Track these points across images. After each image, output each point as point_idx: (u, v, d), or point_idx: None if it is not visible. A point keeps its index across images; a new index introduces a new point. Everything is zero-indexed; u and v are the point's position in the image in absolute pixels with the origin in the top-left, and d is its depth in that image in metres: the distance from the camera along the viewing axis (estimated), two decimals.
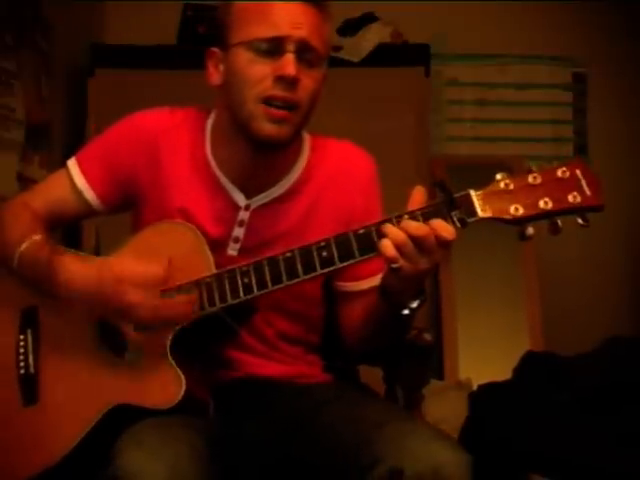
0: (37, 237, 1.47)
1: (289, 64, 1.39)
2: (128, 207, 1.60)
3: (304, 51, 1.41)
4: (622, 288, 3.61)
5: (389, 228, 1.26)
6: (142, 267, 1.37)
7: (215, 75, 1.49)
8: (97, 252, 2.99)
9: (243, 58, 1.42)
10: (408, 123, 3.30)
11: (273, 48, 1.40)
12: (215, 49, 1.48)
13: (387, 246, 1.26)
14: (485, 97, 3.71)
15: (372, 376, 1.76)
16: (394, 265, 1.26)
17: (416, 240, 1.25)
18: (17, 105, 2.74)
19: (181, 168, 1.53)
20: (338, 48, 3.33)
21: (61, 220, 1.59)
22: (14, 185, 2.69)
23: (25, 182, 2.73)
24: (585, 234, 3.42)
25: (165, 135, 1.54)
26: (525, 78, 3.69)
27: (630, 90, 3.64)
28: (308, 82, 1.42)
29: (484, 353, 3.24)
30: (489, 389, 2.42)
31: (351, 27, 3.41)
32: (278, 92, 1.40)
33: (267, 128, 1.42)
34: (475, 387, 2.65)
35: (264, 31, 1.41)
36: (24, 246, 1.46)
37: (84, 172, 1.56)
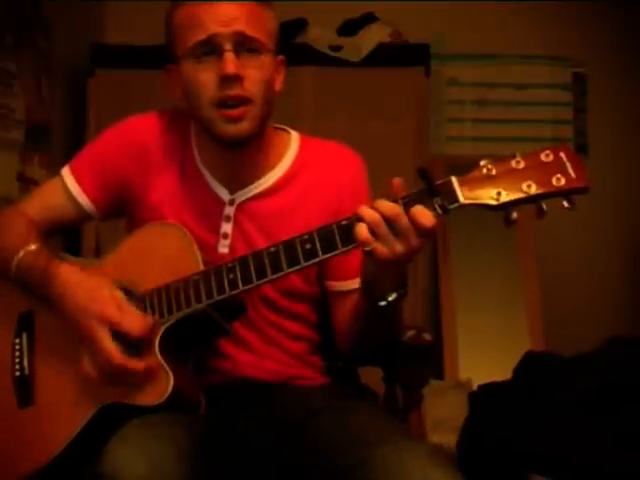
0: (33, 247, 1.50)
1: (227, 62, 1.42)
2: (123, 212, 1.62)
3: (242, 44, 1.44)
4: (622, 288, 3.61)
5: (363, 210, 1.26)
6: (127, 317, 1.37)
7: (173, 89, 1.52)
8: (97, 252, 2.99)
9: (189, 67, 1.46)
10: (408, 123, 3.30)
11: (211, 50, 1.44)
12: (171, 65, 1.52)
13: (360, 229, 1.25)
14: (485, 97, 3.70)
15: (372, 376, 1.76)
16: (367, 248, 1.26)
17: (389, 221, 1.24)
18: (17, 105, 2.74)
19: (171, 169, 1.57)
20: (338, 48, 3.33)
21: (57, 226, 1.62)
22: (14, 185, 2.70)
23: (25, 182, 2.74)
24: (585, 234, 3.47)
25: (155, 138, 1.57)
26: (525, 78, 3.68)
27: (630, 90, 3.64)
28: (254, 73, 1.45)
29: (484, 353, 3.24)
30: (489, 389, 2.42)
31: (351, 27, 3.41)
32: (226, 92, 1.43)
33: (226, 129, 1.45)
34: (475, 387, 2.65)
35: (197, 35, 1.44)
36: (21, 254, 1.49)
37: (77, 179, 1.59)
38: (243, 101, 1.44)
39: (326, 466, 1.34)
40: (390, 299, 1.36)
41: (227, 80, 1.42)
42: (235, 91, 1.43)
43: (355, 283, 1.51)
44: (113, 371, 1.36)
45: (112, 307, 1.39)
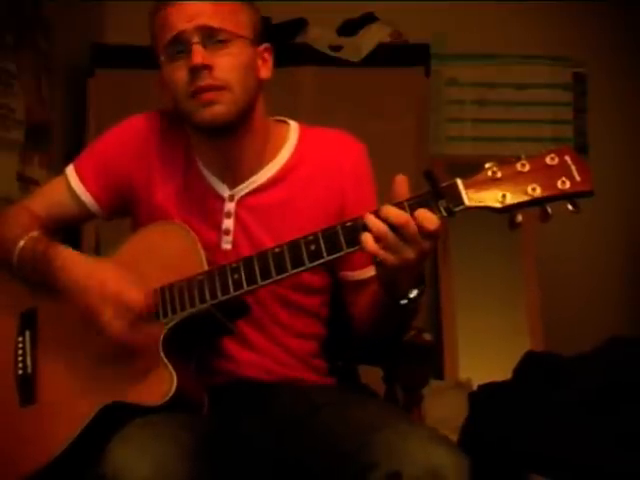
0: (35, 233, 1.52)
1: (194, 54, 1.44)
2: (127, 212, 1.63)
3: (210, 36, 1.46)
4: (622, 288, 3.61)
5: (370, 219, 1.26)
6: (126, 292, 1.39)
7: (163, 93, 1.53)
8: (97, 252, 2.99)
9: (166, 69, 1.49)
10: (408, 123, 3.30)
11: (180, 48, 1.46)
12: (159, 73, 1.53)
13: (367, 240, 1.25)
14: (485, 97, 3.70)
15: (372, 376, 1.76)
16: (376, 258, 1.26)
17: (397, 229, 1.24)
18: (17, 105, 2.74)
19: (174, 168, 1.57)
20: (338, 48, 3.33)
21: (61, 223, 1.62)
22: (14, 185, 2.70)
23: (25, 182, 2.74)
24: (585, 234, 3.48)
25: (157, 137, 1.58)
26: (525, 78, 3.68)
27: (630, 90, 3.64)
28: (224, 61, 1.46)
29: (484, 353, 3.24)
30: (489, 389, 2.42)
31: (351, 27, 3.41)
32: (197, 84, 1.45)
33: (203, 114, 1.46)
34: (475, 387, 2.65)
35: (167, 35, 1.47)
36: (22, 242, 1.50)
37: (81, 177, 1.60)
38: (214, 88, 1.45)
39: (328, 455, 1.34)
40: (412, 296, 1.36)
41: (196, 71, 1.44)
42: (206, 81, 1.45)
43: (370, 271, 1.52)
44: (116, 345, 1.37)
45: (112, 282, 1.40)
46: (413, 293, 1.36)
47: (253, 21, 1.52)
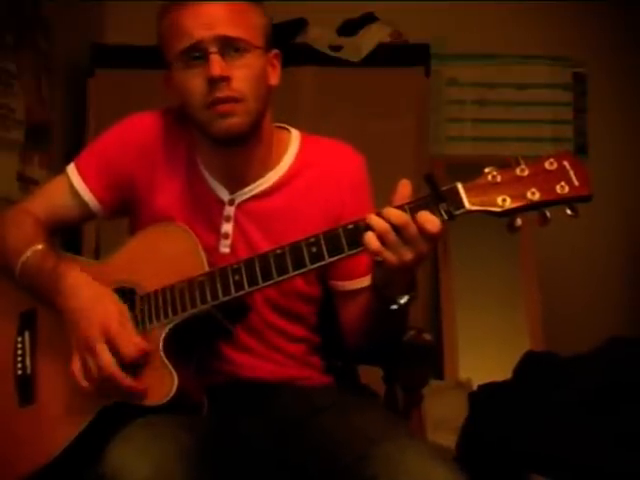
0: (39, 247, 1.50)
1: (212, 65, 1.43)
2: (127, 211, 1.62)
3: (227, 45, 1.45)
4: (622, 288, 3.61)
5: (372, 218, 1.27)
6: (126, 337, 1.37)
7: (171, 93, 1.53)
8: (97, 253, 2.99)
9: (179, 74, 1.48)
10: (408, 123, 3.30)
11: (197, 55, 1.45)
12: (166, 73, 1.52)
13: (371, 239, 1.26)
14: (485, 97, 3.71)
15: (372, 376, 1.76)
16: (377, 258, 1.27)
17: (398, 229, 1.25)
18: (17, 105, 2.74)
19: (176, 169, 1.57)
20: (338, 48, 3.33)
21: (62, 224, 1.61)
22: (14, 185, 2.70)
23: (25, 182, 2.74)
24: (585, 234, 3.48)
25: (159, 137, 1.57)
26: (525, 78, 3.69)
27: (630, 90, 3.64)
28: (242, 72, 1.45)
29: (484, 353, 3.24)
30: (489, 389, 2.42)
31: (351, 27, 3.41)
32: (215, 94, 1.44)
33: (219, 125, 1.46)
34: (475, 387, 2.65)
35: (182, 42, 1.46)
36: (26, 255, 1.49)
37: (83, 176, 1.58)
38: (232, 99, 1.45)
39: (328, 463, 1.35)
40: (402, 302, 1.37)
41: (214, 82, 1.43)
42: (224, 92, 1.44)
43: (363, 282, 1.52)
44: (104, 380, 1.36)
45: (115, 320, 1.38)
46: (403, 299, 1.37)
47: (265, 27, 1.51)
